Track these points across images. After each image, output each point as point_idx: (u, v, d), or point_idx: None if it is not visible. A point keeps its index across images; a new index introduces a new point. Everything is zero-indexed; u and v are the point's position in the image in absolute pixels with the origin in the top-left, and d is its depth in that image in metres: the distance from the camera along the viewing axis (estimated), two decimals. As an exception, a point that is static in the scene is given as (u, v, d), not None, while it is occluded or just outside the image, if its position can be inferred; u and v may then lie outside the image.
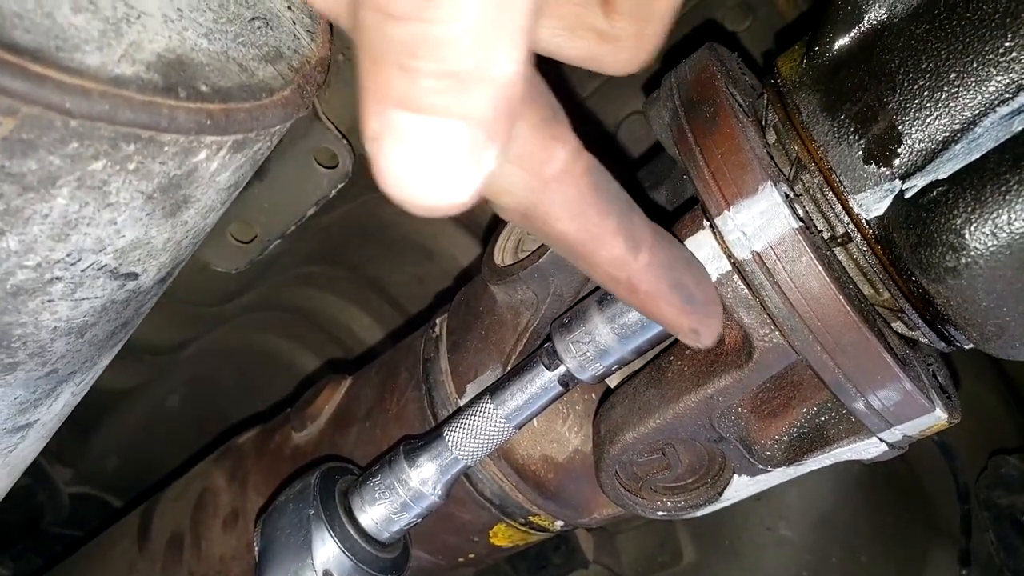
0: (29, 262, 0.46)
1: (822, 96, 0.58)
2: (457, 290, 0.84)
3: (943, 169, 0.51)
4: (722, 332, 0.59)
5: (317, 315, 1.44)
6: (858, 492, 1.20)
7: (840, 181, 0.56)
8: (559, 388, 0.63)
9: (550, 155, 0.37)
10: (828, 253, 0.57)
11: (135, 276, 0.54)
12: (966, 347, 0.59)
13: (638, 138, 1.21)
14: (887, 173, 0.54)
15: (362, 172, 0.95)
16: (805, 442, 0.62)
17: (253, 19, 0.54)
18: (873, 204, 0.55)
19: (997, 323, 0.50)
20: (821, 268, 0.52)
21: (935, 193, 0.50)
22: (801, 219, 0.53)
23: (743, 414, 0.62)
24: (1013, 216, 0.46)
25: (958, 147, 0.51)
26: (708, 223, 0.55)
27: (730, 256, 0.55)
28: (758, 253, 0.53)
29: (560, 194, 0.38)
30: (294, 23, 0.58)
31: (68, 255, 0.47)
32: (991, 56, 0.50)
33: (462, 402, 0.73)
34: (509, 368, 0.70)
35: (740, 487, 0.65)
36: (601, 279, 0.44)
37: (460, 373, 0.75)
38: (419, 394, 0.77)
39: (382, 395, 0.82)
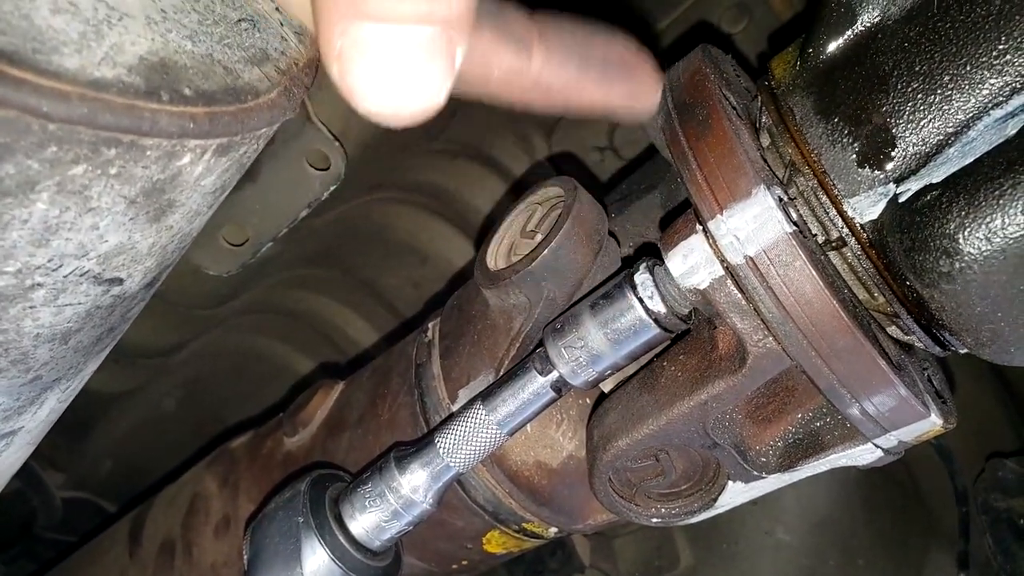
0: (9, 268, 0.45)
1: (816, 99, 0.57)
2: (450, 293, 0.83)
3: (937, 173, 0.50)
4: (716, 336, 0.59)
5: (311, 318, 1.43)
6: (856, 496, 1.20)
7: (834, 184, 0.56)
8: (552, 394, 0.62)
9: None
10: (822, 257, 0.56)
11: (120, 281, 0.53)
12: (961, 351, 0.58)
13: (633, 139, 1.20)
14: (881, 177, 0.53)
15: (355, 174, 0.95)
16: (800, 448, 0.61)
17: (239, 20, 0.53)
18: (867, 208, 0.55)
19: (991, 328, 0.50)
20: (815, 273, 0.51)
21: (929, 197, 0.50)
22: (795, 223, 0.53)
23: (737, 420, 0.61)
24: (1007, 221, 0.46)
25: (952, 151, 0.50)
26: (701, 227, 0.55)
27: (723, 260, 0.54)
28: (751, 257, 0.52)
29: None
30: (282, 24, 0.57)
31: (49, 261, 0.46)
32: (984, 59, 0.49)
33: (454, 408, 0.73)
34: (502, 373, 0.69)
35: (735, 493, 0.64)
36: (511, 97, 0.41)
37: (452, 378, 0.74)
38: (411, 400, 0.77)
39: (374, 400, 0.81)
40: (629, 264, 0.65)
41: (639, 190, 0.76)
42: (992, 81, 0.49)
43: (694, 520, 0.67)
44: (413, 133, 1.06)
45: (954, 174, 0.50)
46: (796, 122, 0.58)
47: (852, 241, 0.56)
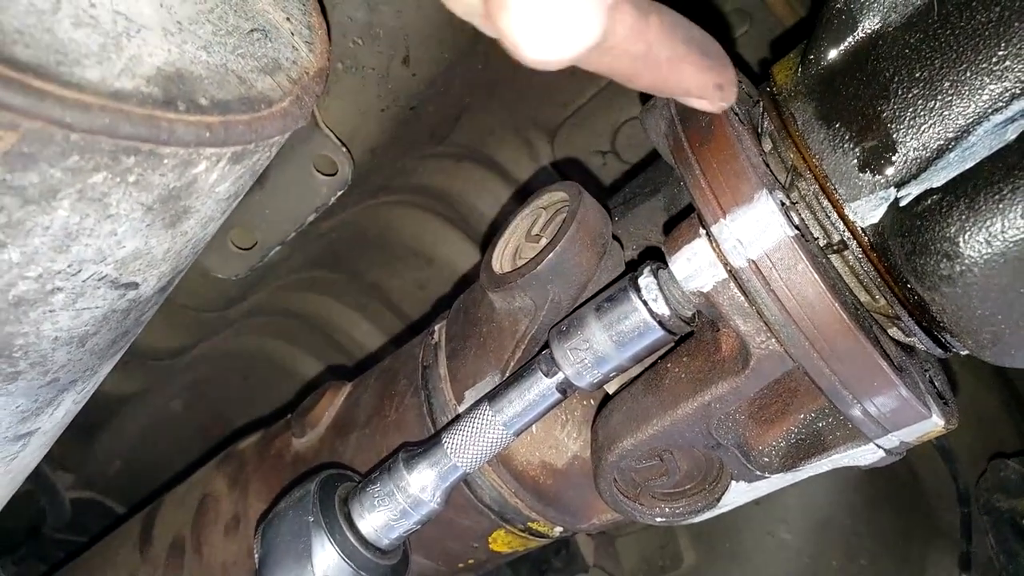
0: (31, 273, 0.46)
1: (817, 105, 0.58)
2: (456, 296, 0.84)
3: (937, 177, 0.51)
4: (719, 338, 0.60)
5: (317, 320, 1.44)
6: (858, 495, 1.20)
7: (836, 189, 0.57)
8: (557, 395, 0.63)
9: None
10: (824, 261, 0.57)
11: (135, 286, 0.54)
12: (962, 353, 0.59)
13: (636, 143, 1.21)
14: (882, 181, 0.54)
15: (362, 179, 0.96)
16: (802, 448, 0.62)
17: (252, 31, 0.54)
18: (868, 212, 0.55)
19: (992, 331, 0.51)
20: (817, 276, 0.52)
21: (929, 201, 0.51)
22: (797, 227, 0.54)
23: (740, 420, 0.62)
24: (1007, 224, 0.46)
25: (952, 155, 0.51)
26: (704, 231, 0.56)
27: (726, 264, 0.55)
28: (754, 261, 0.53)
29: None
30: (292, 34, 0.59)
31: (69, 266, 0.48)
32: (984, 65, 0.50)
33: (461, 409, 0.74)
34: (507, 375, 0.70)
35: (738, 493, 0.65)
36: (622, 61, 0.41)
37: (459, 380, 0.75)
38: (418, 401, 0.78)
39: (381, 401, 0.82)
40: (633, 268, 0.66)
41: (642, 193, 0.77)
42: (992, 87, 0.50)
43: (698, 520, 0.68)
44: (419, 136, 1.08)
45: (955, 179, 0.51)
46: (798, 127, 0.59)
47: (853, 244, 0.57)
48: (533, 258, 0.68)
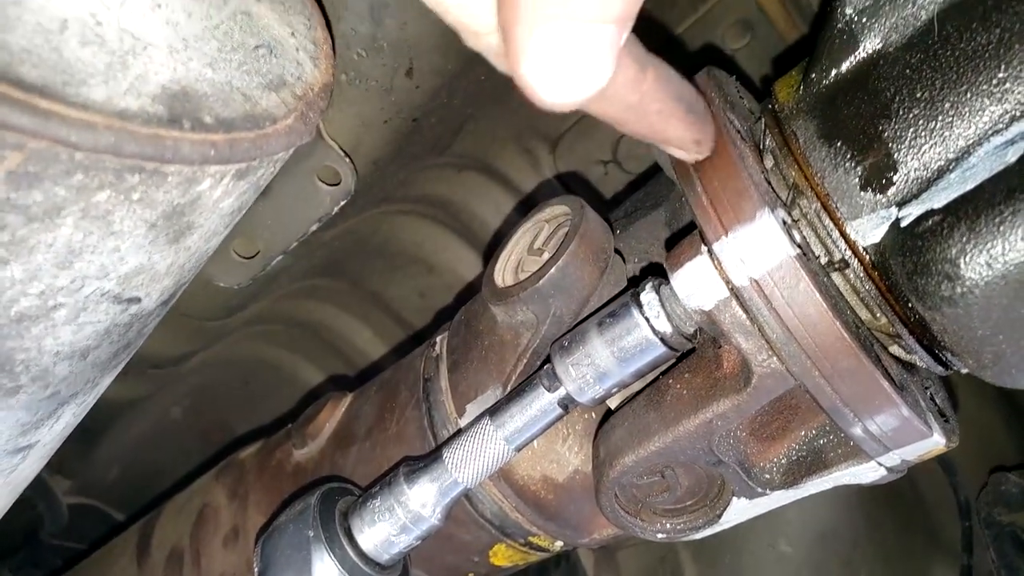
0: (33, 290, 0.46)
1: (819, 123, 0.58)
2: (458, 305, 0.85)
3: (938, 198, 0.51)
4: (720, 355, 0.60)
5: (319, 328, 1.44)
6: (859, 508, 1.20)
7: (837, 207, 0.57)
8: (559, 410, 0.63)
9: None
10: (825, 279, 0.57)
11: (138, 300, 0.55)
12: (963, 371, 0.59)
13: (637, 153, 1.22)
14: (883, 200, 0.54)
15: (365, 188, 0.96)
16: (804, 465, 0.62)
17: (257, 47, 0.54)
18: (870, 231, 0.56)
19: (993, 351, 0.51)
20: (818, 295, 0.52)
21: (931, 222, 0.51)
22: (799, 245, 0.54)
23: (742, 437, 0.62)
24: (1008, 247, 0.47)
25: (953, 176, 0.51)
26: (706, 249, 0.56)
27: (728, 282, 0.55)
28: (756, 280, 0.53)
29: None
30: (297, 49, 0.59)
31: (72, 282, 0.48)
32: (985, 86, 0.50)
33: (462, 422, 0.74)
34: (509, 389, 0.70)
35: (739, 510, 0.65)
36: (615, 107, 0.44)
37: (460, 393, 0.75)
38: (419, 413, 0.78)
39: (382, 414, 0.82)
40: (635, 282, 0.66)
41: (644, 207, 0.77)
42: (992, 108, 0.50)
43: (699, 536, 0.68)
44: (422, 147, 1.08)
45: (955, 200, 0.51)
46: (800, 146, 0.59)
47: (855, 263, 0.57)
48: (535, 272, 0.68)
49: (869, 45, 0.56)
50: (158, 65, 0.45)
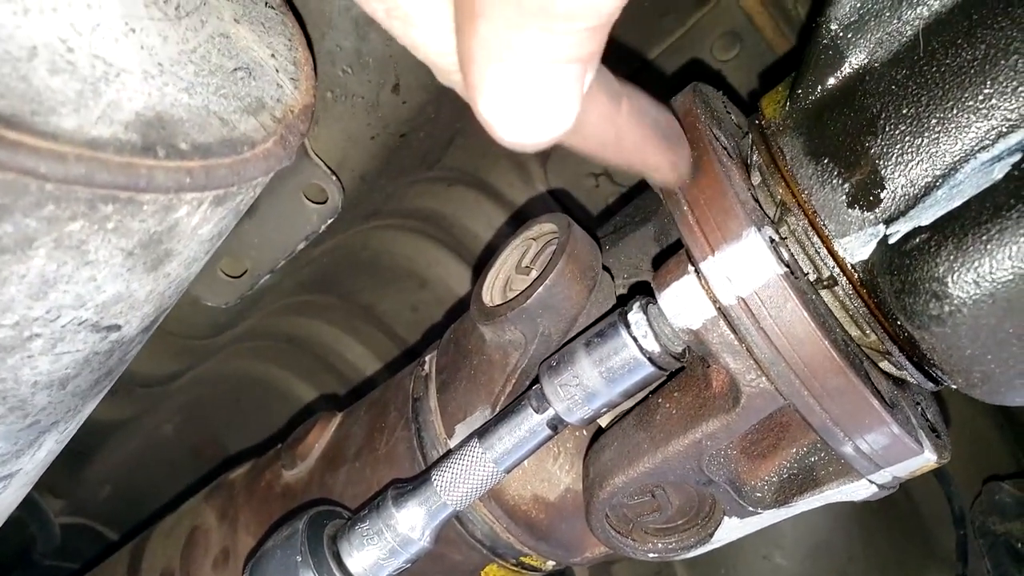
0: (7, 321, 0.45)
1: (805, 140, 0.58)
2: (450, 320, 0.84)
3: (925, 215, 0.51)
4: (709, 375, 0.59)
5: (309, 343, 1.43)
6: (853, 518, 1.19)
7: (825, 225, 0.56)
8: (548, 431, 0.63)
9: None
10: (814, 297, 0.57)
11: (117, 328, 0.54)
12: (953, 387, 0.59)
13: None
14: (871, 218, 0.54)
15: (353, 204, 0.95)
16: (795, 484, 0.61)
17: (235, 69, 0.54)
18: (858, 248, 0.55)
19: (982, 370, 0.50)
20: (807, 314, 0.52)
21: (918, 240, 0.50)
22: (786, 263, 0.53)
23: (732, 456, 0.61)
24: (995, 266, 0.46)
25: (940, 193, 0.51)
26: (693, 268, 0.55)
27: (715, 301, 0.54)
28: (743, 299, 0.53)
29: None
30: (277, 71, 0.58)
31: (47, 312, 0.47)
32: (971, 103, 0.50)
33: (451, 443, 0.73)
34: (498, 409, 0.70)
35: (731, 529, 0.65)
36: (590, 141, 0.43)
37: (449, 413, 0.74)
38: (408, 434, 0.77)
39: (371, 434, 0.81)
40: (624, 301, 0.66)
41: (633, 222, 0.77)
42: (978, 124, 0.50)
43: (691, 555, 0.67)
44: (411, 162, 1.07)
45: (943, 217, 0.50)
46: (786, 162, 0.58)
47: (843, 280, 0.57)
48: (523, 291, 0.67)
49: (855, 60, 0.56)
50: (132, 91, 0.44)
